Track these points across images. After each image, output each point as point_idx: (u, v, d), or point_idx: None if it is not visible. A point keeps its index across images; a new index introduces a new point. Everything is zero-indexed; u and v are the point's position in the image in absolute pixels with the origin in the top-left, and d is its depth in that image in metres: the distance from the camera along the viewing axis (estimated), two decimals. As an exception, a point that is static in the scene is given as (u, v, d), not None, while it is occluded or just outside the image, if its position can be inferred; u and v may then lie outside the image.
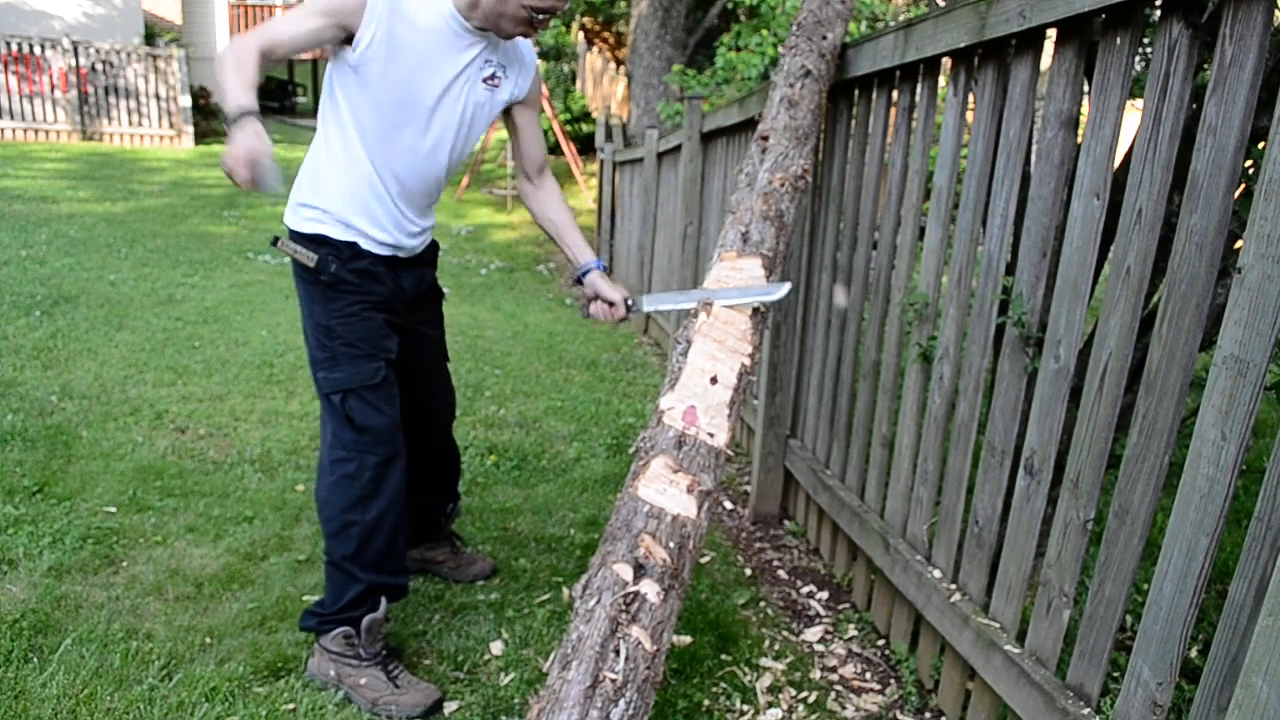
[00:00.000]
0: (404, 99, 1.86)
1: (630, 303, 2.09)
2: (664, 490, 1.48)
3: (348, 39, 1.81)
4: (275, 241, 1.94)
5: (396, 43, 1.81)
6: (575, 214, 2.47)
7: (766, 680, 2.15)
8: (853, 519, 2.48)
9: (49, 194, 8.47)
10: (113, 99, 12.60)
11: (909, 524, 2.21)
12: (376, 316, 1.97)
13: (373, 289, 1.97)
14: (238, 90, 1.66)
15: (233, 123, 1.62)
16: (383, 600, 2.00)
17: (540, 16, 1.83)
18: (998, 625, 1.80)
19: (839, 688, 2.15)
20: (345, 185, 1.92)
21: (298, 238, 1.95)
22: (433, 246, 2.18)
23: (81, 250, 6.36)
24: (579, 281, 2.14)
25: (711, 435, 1.58)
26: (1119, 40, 1.49)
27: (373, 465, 1.95)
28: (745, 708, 2.03)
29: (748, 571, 2.74)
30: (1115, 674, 1.71)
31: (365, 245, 1.95)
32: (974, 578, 1.91)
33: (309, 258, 1.89)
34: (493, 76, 1.97)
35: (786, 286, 1.84)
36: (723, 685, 2.11)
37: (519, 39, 1.99)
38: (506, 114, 2.12)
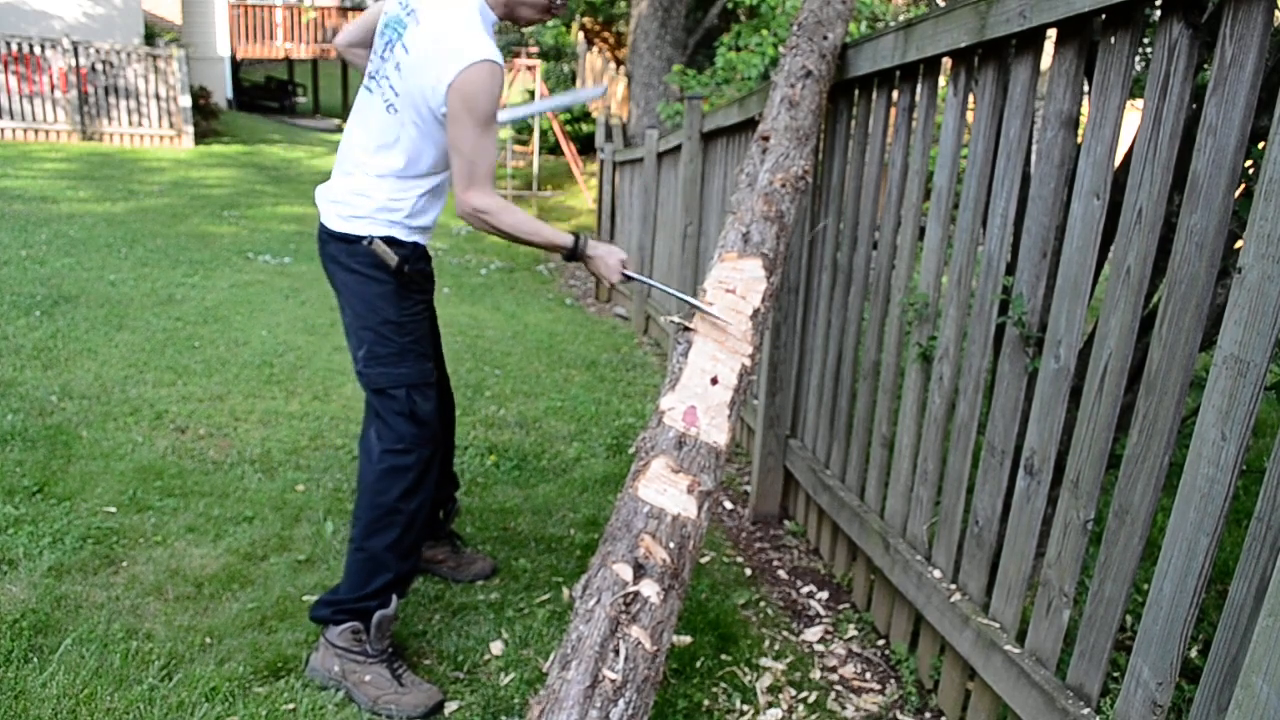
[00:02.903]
0: None
1: None
2: (664, 490, 1.48)
3: None
4: (369, 241, 1.97)
5: None
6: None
7: (766, 680, 2.15)
8: (853, 519, 2.48)
9: (49, 194, 8.47)
10: (113, 99, 12.58)
11: (909, 524, 2.21)
12: (426, 317, 2.11)
13: (429, 289, 2.12)
14: (549, 231, 1.99)
15: (583, 249, 1.99)
16: (393, 597, 2.02)
17: (558, 1, 1.97)
18: (998, 625, 1.80)
19: (839, 688, 2.15)
20: (412, 197, 1.99)
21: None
22: None
23: (81, 250, 6.36)
24: None
25: (712, 436, 1.58)
26: (1119, 40, 1.49)
27: (425, 459, 2.04)
28: (745, 708, 2.03)
29: (748, 571, 2.74)
30: (1115, 674, 1.71)
31: (424, 244, 2.07)
32: (974, 578, 1.91)
33: (392, 257, 1.97)
34: None
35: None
36: (723, 685, 2.11)
37: None
38: None
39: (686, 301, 1.89)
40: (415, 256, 2.04)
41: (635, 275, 2.03)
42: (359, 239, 1.97)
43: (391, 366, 2.01)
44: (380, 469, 2.01)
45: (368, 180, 1.98)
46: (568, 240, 1.99)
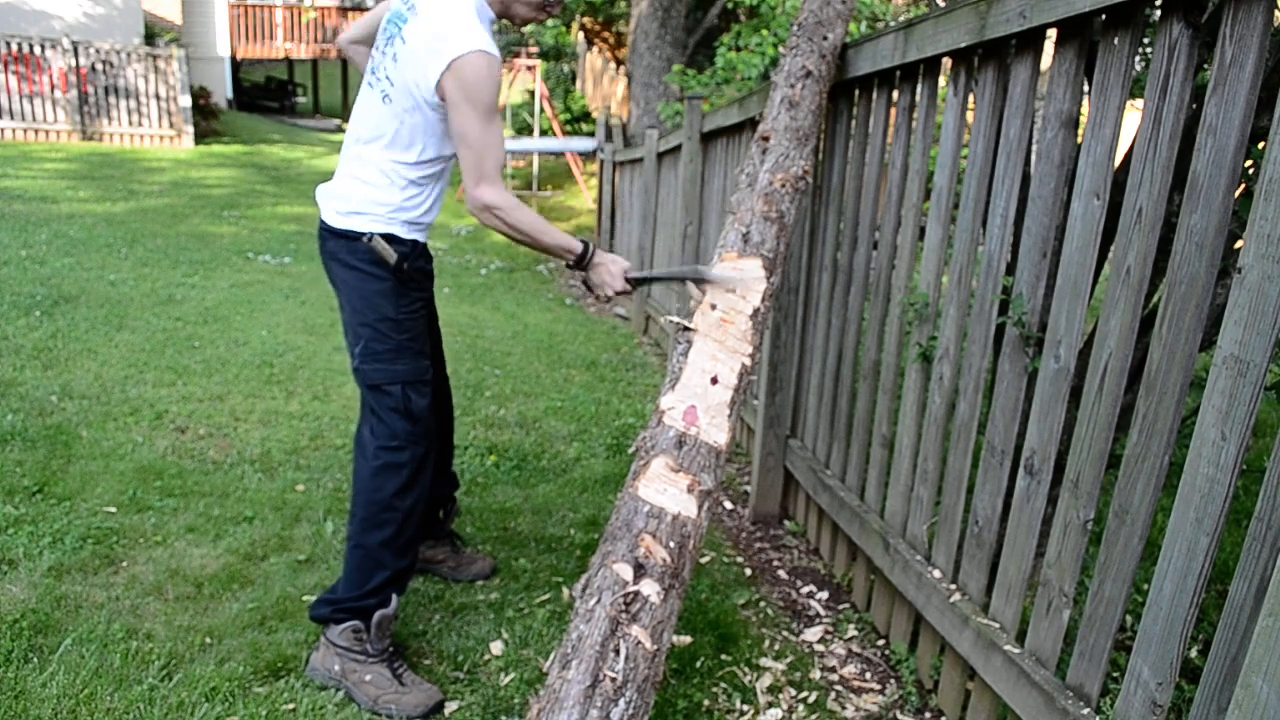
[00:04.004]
0: None
1: None
2: (664, 490, 1.48)
3: None
4: (369, 238, 1.98)
5: None
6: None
7: (766, 680, 2.15)
8: (853, 519, 2.48)
9: (49, 194, 8.47)
10: (113, 99, 12.58)
11: (909, 524, 2.21)
12: (424, 315, 2.12)
13: (427, 288, 2.14)
14: (559, 234, 1.98)
15: (590, 258, 1.98)
16: (394, 596, 2.02)
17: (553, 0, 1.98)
18: (998, 625, 1.80)
19: (839, 688, 2.15)
20: (410, 192, 2.00)
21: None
22: None
23: (81, 250, 6.36)
24: None
25: (712, 435, 1.58)
26: (1119, 40, 1.49)
27: (420, 456, 2.05)
28: (745, 708, 2.03)
29: (748, 571, 2.74)
30: (1115, 674, 1.71)
31: (424, 242, 2.08)
32: (974, 578, 1.91)
33: (392, 254, 1.98)
34: None
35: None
36: (723, 685, 2.11)
37: None
38: None
39: (694, 277, 1.89)
40: (415, 254, 2.05)
41: (640, 274, 2.02)
42: (359, 235, 1.98)
43: (388, 363, 2.02)
44: (375, 465, 2.02)
45: (366, 174, 1.99)
46: (576, 246, 1.98)
